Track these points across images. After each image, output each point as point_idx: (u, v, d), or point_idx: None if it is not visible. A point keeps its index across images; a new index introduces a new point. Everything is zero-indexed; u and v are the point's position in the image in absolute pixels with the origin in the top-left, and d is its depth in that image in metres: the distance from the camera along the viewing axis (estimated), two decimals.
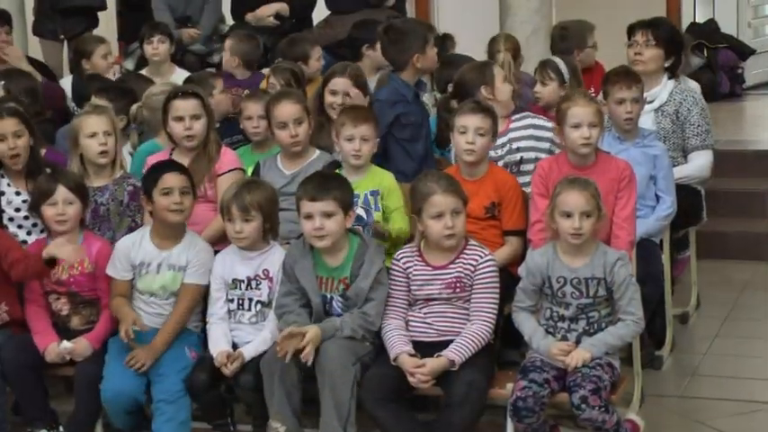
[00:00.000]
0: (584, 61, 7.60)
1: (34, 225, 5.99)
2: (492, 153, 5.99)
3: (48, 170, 6.04)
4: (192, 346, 5.53)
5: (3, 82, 7.16)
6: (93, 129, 6.04)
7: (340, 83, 6.57)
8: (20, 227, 6.03)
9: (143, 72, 8.43)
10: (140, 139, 6.78)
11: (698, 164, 6.88)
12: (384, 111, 6.10)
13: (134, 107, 6.87)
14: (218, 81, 7.29)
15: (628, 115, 6.17)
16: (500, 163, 6.06)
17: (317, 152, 6.13)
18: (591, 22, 7.72)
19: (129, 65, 9.32)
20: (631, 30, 7.25)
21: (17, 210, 6.04)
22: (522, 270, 5.35)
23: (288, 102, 6.09)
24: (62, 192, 5.63)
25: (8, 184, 6.11)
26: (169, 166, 5.71)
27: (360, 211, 5.64)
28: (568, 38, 7.83)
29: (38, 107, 6.97)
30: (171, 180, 5.53)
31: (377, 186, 5.74)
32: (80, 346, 5.51)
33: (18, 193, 6.07)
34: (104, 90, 7.11)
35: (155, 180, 5.54)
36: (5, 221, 6.02)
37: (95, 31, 9.80)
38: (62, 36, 9.87)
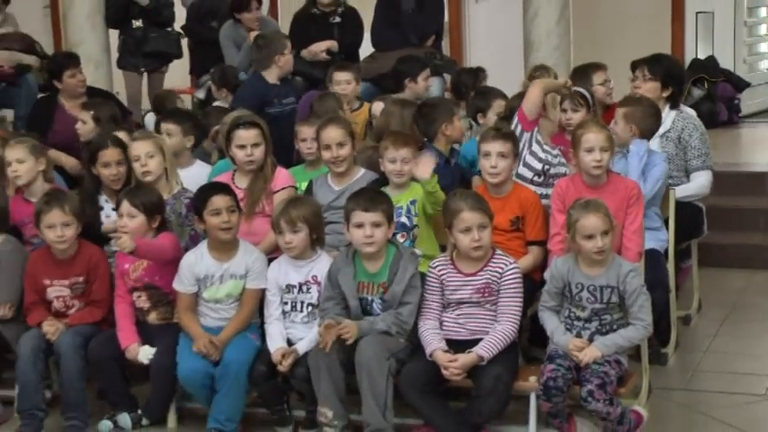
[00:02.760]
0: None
1: None
2: None
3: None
4: (254, 333, 5.57)
5: (92, 112, 7.22)
6: (136, 152, 6.12)
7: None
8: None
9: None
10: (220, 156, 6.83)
11: (699, 183, 6.90)
12: None
13: (213, 130, 6.96)
14: (288, 41, 7.28)
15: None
16: None
17: (362, 171, 6.15)
18: (602, 62, 7.67)
19: (201, 94, 9.38)
20: (633, 66, 7.29)
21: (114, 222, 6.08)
22: (547, 275, 5.37)
23: (333, 126, 6.12)
24: (125, 206, 5.68)
25: (106, 200, 6.20)
26: (215, 188, 5.72)
27: (403, 220, 5.69)
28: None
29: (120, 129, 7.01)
30: (218, 202, 5.53)
31: (415, 196, 5.75)
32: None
33: (114, 209, 6.10)
34: (171, 115, 7.17)
35: (204, 202, 5.55)
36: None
37: (171, 66, 9.93)
38: (142, 69, 9.98)
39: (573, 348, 5.10)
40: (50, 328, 5.65)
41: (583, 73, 7.34)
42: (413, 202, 5.75)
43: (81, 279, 5.79)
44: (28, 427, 5.58)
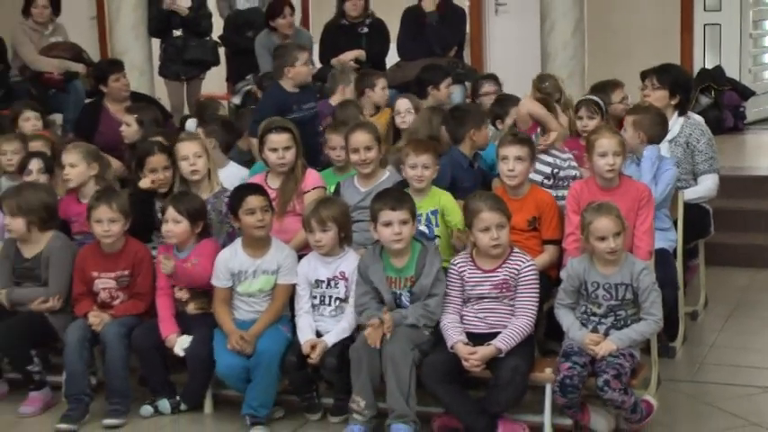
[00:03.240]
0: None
1: None
2: None
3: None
4: (285, 325, 5.58)
5: (136, 115, 7.25)
6: (184, 152, 6.13)
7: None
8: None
9: None
10: None
11: (707, 185, 6.87)
12: (444, 172, 6.08)
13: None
14: (303, 54, 7.32)
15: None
16: None
17: (388, 173, 6.14)
18: (616, 71, 7.64)
19: (237, 100, 9.41)
20: (643, 75, 7.26)
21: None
22: (563, 274, 5.36)
23: (360, 131, 6.10)
24: (170, 212, 5.70)
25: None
26: (250, 189, 5.73)
27: (422, 228, 5.65)
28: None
29: (160, 132, 7.03)
30: (253, 201, 5.56)
31: (436, 206, 5.72)
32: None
33: (161, 211, 6.12)
34: (211, 120, 7.20)
35: (239, 201, 5.58)
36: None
37: (208, 74, 9.95)
38: (183, 78, 10.01)
39: (589, 342, 5.10)
40: (95, 319, 5.68)
41: (601, 90, 7.32)
42: (434, 213, 5.72)
43: (126, 273, 5.82)
44: (75, 411, 5.61)
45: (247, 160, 7.05)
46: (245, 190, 5.71)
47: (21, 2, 9.57)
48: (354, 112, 7.22)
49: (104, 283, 5.83)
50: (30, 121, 7.54)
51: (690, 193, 6.70)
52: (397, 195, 5.45)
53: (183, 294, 5.76)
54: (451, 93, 8.10)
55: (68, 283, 5.90)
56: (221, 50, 10.16)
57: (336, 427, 5.40)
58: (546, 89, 7.41)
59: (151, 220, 6.11)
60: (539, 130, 6.46)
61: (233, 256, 5.62)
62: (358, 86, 7.91)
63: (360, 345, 5.26)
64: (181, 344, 5.59)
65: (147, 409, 5.69)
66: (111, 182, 6.47)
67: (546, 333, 5.77)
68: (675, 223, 6.33)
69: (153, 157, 6.18)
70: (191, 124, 8.19)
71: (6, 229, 6.00)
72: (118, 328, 5.66)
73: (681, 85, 7.13)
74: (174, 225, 5.68)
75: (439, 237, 5.70)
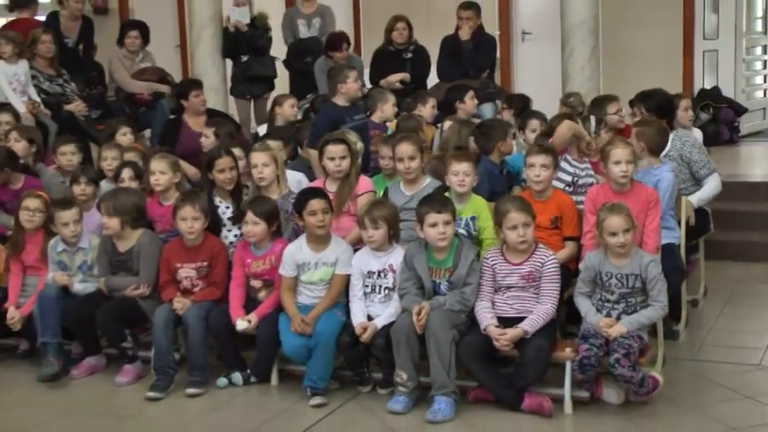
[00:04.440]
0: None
1: (239, 228, 6.03)
2: None
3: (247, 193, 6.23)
4: (340, 310, 5.58)
5: (213, 128, 7.29)
6: (254, 161, 6.15)
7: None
8: (229, 230, 6.13)
9: None
10: None
11: (711, 186, 6.78)
12: (483, 182, 6.04)
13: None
14: (353, 72, 7.34)
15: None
16: None
17: (429, 179, 6.10)
18: (627, 90, 7.60)
19: (299, 115, 9.42)
20: (631, 104, 7.33)
21: (228, 219, 6.15)
22: (581, 266, 5.33)
23: (405, 143, 6.06)
24: (250, 216, 5.71)
25: (220, 201, 6.21)
26: (313, 192, 5.72)
27: (462, 231, 5.61)
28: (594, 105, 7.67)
29: (234, 144, 7.06)
30: (315, 204, 5.56)
31: (475, 212, 5.69)
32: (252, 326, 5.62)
33: (228, 207, 6.18)
34: (274, 132, 7.23)
35: (303, 203, 5.58)
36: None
37: (272, 94, 9.96)
38: (248, 96, 10.04)
39: (603, 325, 5.07)
40: (179, 304, 5.71)
41: (599, 103, 7.31)
42: (472, 219, 5.68)
43: (205, 263, 5.85)
44: (161, 381, 5.64)
45: (308, 167, 7.05)
46: (308, 194, 5.71)
47: (116, 34, 9.65)
48: (414, 124, 7.21)
49: (186, 272, 5.86)
50: (126, 135, 7.60)
51: (703, 193, 6.67)
52: (441, 200, 5.43)
53: (257, 283, 5.78)
54: (476, 103, 8.00)
55: (156, 273, 5.93)
56: (279, 65, 10.15)
57: (384, 398, 5.38)
58: (571, 103, 7.49)
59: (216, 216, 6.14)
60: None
61: (298, 250, 5.62)
62: (413, 104, 7.86)
63: (400, 325, 5.24)
64: (241, 324, 5.60)
65: (222, 381, 5.70)
66: (185, 187, 6.49)
67: (566, 317, 5.73)
68: (680, 222, 6.25)
69: (221, 159, 6.20)
70: (261, 129, 8.32)
71: (104, 228, 6.05)
72: (197, 311, 5.68)
73: (665, 107, 7.12)
74: (254, 226, 5.69)
75: (476, 239, 5.65)
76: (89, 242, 6.13)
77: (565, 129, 6.35)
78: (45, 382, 5.85)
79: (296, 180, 6.54)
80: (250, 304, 5.74)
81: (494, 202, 5.64)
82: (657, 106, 7.07)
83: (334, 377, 5.57)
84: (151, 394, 5.58)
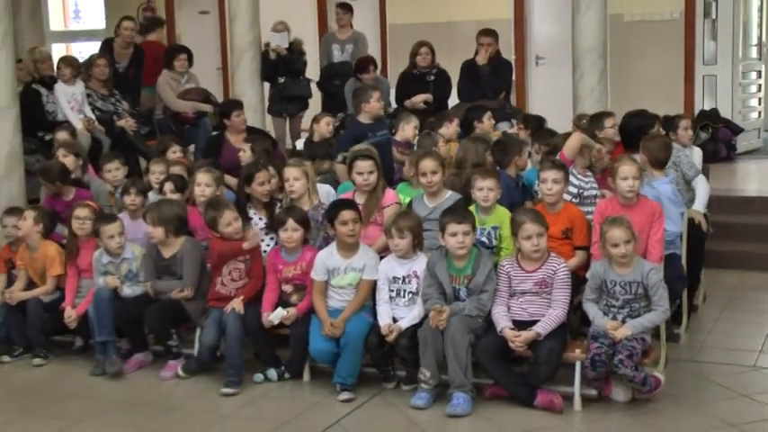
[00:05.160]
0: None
1: (271, 239, 6.06)
2: None
3: (280, 205, 6.18)
4: (368, 312, 5.56)
5: (251, 144, 7.30)
6: (287, 175, 6.13)
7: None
8: (261, 240, 6.10)
9: None
10: None
11: (704, 188, 6.75)
12: (503, 195, 6.01)
13: (339, 158, 7.01)
14: (375, 93, 7.32)
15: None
16: None
17: (450, 192, 6.07)
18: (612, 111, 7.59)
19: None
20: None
21: (261, 229, 6.14)
22: (589, 274, 5.29)
23: (427, 159, 6.03)
24: (291, 223, 5.71)
25: (254, 212, 6.22)
26: (344, 204, 5.70)
27: (483, 239, 5.60)
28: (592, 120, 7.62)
29: (269, 161, 7.05)
30: (346, 215, 5.54)
31: (497, 223, 5.66)
32: (289, 316, 5.60)
33: (261, 219, 6.17)
34: (311, 147, 7.24)
35: (335, 214, 5.56)
36: None
37: (306, 113, 9.96)
38: (284, 115, 10.05)
39: (609, 328, 5.04)
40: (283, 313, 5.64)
41: (597, 118, 7.27)
42: (494, 228, 5.66)
43: (248, 257, 5.85)
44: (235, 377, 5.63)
45: (337, 180, 7.04)
46: (340, 205, 5.69)
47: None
48: (431, 142, 7.18)
49: (234, 264, 5.84)
50: (176, 153, 7.62)
51: (701, 199, 6.64)
52: (462, 212, 5.41)
53: (288, 288, 5.77)
54: (493, 122, 7.94)
55: (198, 276, 5.93)
56: (313, 86, 10.16)
57: (407, 394, 5.36)
58: (583, 125, 7.42)
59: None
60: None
61: (329, 256, 5.62)
62: (438, 123, 7.83)
63: (426, 328, 5.23)
64: (278, 314, 5.59)
65: (258, 377, 5.70)
66: (225, 199, 6.46)
67: (581, 320, 5.68)
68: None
69: (260, 173, 6.20)
70: (299, 143, 8.32)
71: (149, 236, 6.06)
72: (236, 314, 5.68)
73: (633, 132, 6.91)
74: (293, 233, 5.68)
75: (495, 247, 5.65)
76: (132, 252, 6.14)
77: (576, 140, 6.30)
78: (99, 376, 5.88)
79: (325, 192, 6.53)
80: (284, 307, 5.69)
81: (511, 213, 5.62)
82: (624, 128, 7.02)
83: (361, 374, 5.53)
84: (226, 391, 5.55)
